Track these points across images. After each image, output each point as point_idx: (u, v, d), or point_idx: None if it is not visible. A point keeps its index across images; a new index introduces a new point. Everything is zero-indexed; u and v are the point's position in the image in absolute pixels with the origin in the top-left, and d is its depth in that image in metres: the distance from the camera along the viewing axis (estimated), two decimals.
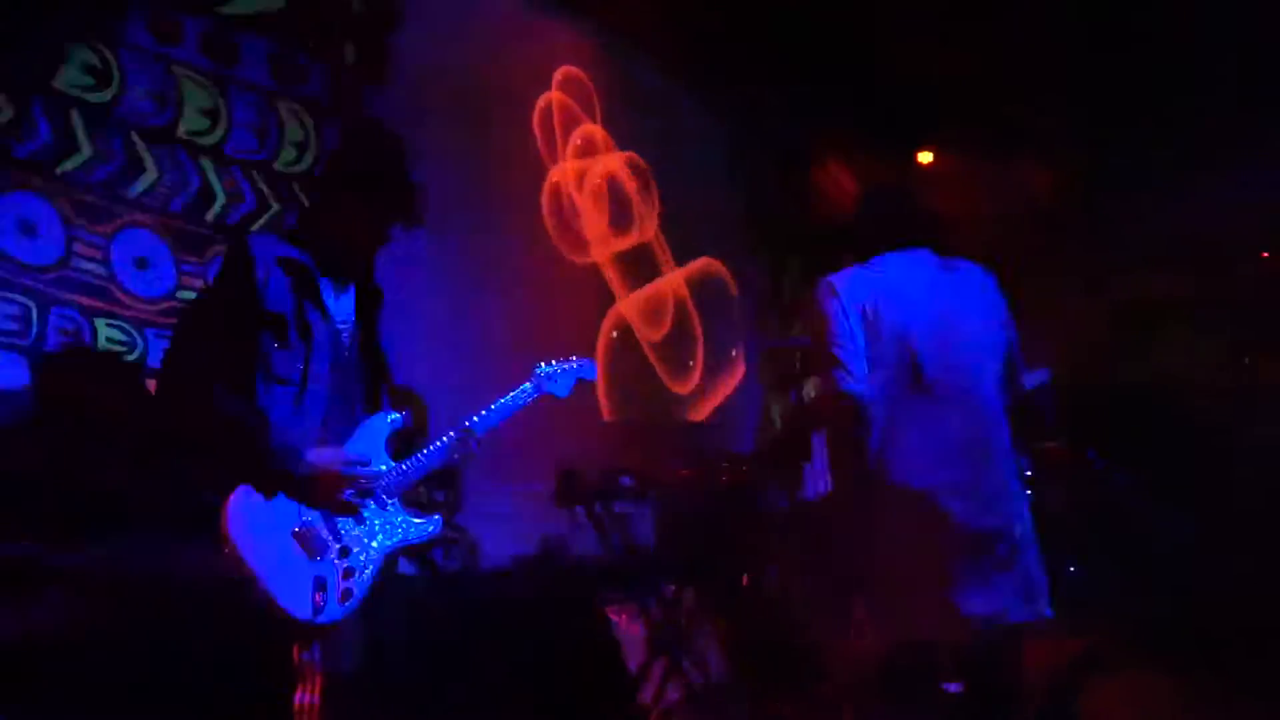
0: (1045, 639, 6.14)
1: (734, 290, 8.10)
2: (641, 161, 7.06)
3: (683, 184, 7.32)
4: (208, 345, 2.72)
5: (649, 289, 7.02)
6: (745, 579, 4.84)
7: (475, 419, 2.96)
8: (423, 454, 2.87)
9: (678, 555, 4.81)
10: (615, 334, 6.60)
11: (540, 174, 6.19)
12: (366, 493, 2.74)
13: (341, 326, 2.88)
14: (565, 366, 3.27)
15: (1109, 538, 7.74)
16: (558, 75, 6.42)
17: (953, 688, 5.00)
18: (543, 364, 3.23)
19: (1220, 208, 9.38)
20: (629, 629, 4.68)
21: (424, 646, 3.76)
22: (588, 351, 5.50)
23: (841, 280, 3.14)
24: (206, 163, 4.10)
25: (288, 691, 2.67)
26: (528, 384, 3.14)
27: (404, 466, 2.84)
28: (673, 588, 4.51)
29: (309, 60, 4.60)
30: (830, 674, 4.89)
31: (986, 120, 9.42)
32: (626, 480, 4.23)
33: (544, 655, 4.57)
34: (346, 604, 2.64)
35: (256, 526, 2.59)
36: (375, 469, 2.77)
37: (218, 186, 4.15)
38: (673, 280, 7.35)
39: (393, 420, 2.89)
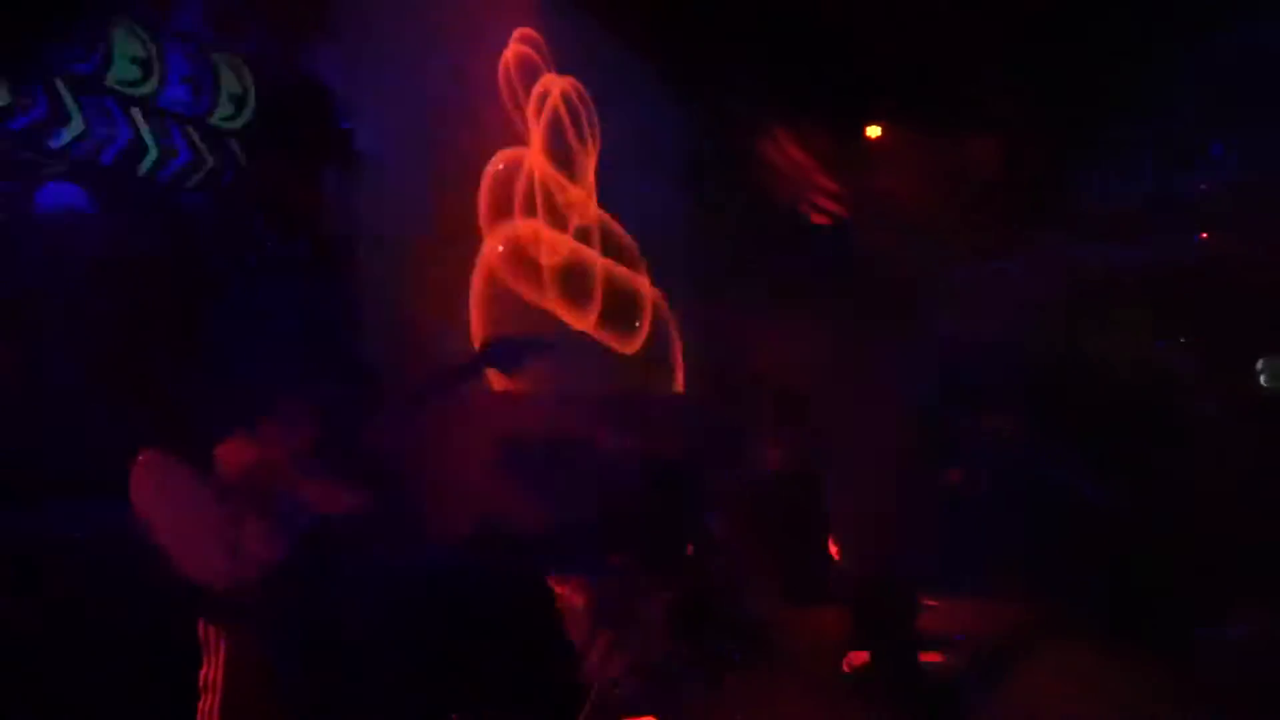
0: (979, 608, 6.31)
1: None
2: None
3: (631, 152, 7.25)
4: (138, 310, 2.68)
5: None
6: (690, 548, 4.82)
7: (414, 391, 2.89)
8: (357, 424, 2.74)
9: (622, 526, 4.76)
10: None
11: (496, 134, 6.08)
12: (290, 489, 2.64)
13: (291, 280, 2.86)
14: (516, 343, 3.15)
15: (1041, 511, 7.85)
16: (515, 35, 6.31)
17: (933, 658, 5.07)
18: (493, 339, 3.21)
19: (1161, 188, 9.54)
20: (572, 600, 4.64)
21: (360, 618, 3.65)
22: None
23: None
24: (137, 114, 3.94)
25: (191, 665, 2.59)
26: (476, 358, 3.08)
27: (338, 433, 2.70)
28: (616, 559, 4.46)
29: (248, 12, 4.45)
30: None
31: (934, 95, 9.45)
32: (569, 451, 4.16)
33: (486, 627, 4.50)
34: (261, 572, 2.54)
35: (168, 489, 2.50)
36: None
37: (150, 140, 4.00)
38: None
39: (331, 380, 2.80)
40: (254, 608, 2.55)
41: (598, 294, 6.86)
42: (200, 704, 2.58)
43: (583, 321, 6.56)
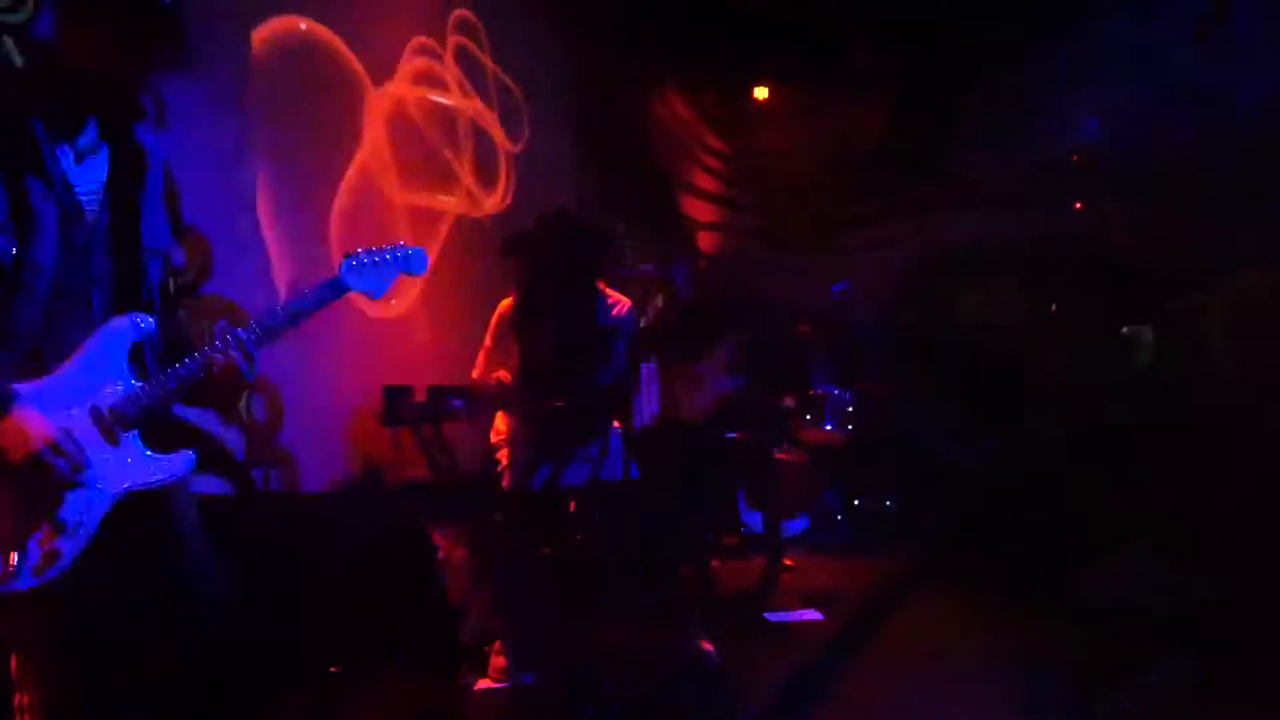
0: (862, 564, 6.48)
1: None
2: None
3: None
4: None
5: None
6: (571, 505, 4.81)
7: (249, 324, 2.38)
8: (168, 373, 2.31)
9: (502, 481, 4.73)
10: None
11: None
12: (77, 468, 2.18)
13: (85, 199, 2.30)
14: (381, 257, 2.57)
15: (913, 470, 8.08)
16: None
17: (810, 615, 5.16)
18: (352, 253, 2.54)
19: (1037, 156, 9.76)
20: (452, 553, 4.62)
21: (239, 573, 3.56)
22: None
23: None
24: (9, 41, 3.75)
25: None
26: (331, 280, 2.49)
27: (144, 388, 2.29)
28: (498, 513, 4.44)
29: None
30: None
31: (818, 58, 9.54)
32: (457, 402, 4.09)
33: (366, 581, 4.47)
34: (52, 567, 2.16)
35: None
36: (93, 419, 2.24)
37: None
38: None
39: (140, 324, 2.31)
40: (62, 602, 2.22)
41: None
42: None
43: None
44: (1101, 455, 7.47)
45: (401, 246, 2.60)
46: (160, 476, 2.30)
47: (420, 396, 4.17)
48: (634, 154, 8.87)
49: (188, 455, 2.33)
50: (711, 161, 10.58)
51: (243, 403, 4.49)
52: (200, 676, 2.62)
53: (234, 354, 2.32)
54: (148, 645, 2.41)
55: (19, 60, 3.68)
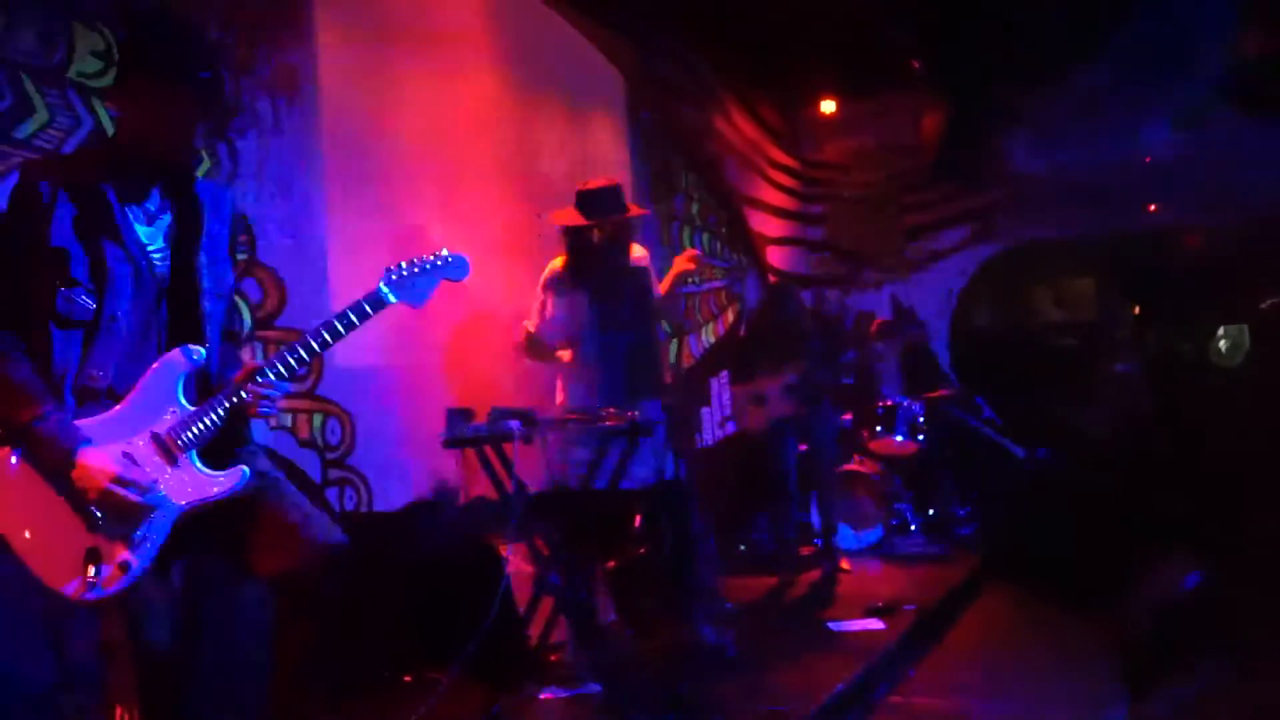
0: (928, 574, 6.53)
1: None
2: None
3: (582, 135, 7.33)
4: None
5: None
6: (637, 519, 4.97)
7: (282, 351, 2.63)
8: (213, 400, 2.55)
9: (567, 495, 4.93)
10: None
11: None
12: (143, 491, 2.45)
13: (152, 256, 2.60)
14: (421, 266, 2.76)
15: (985, 478, 8.10)
16: None
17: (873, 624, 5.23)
18: (392, 266, 2.74)
19: (1111, 157, 9.68)
20: (520, 567, 4.81)
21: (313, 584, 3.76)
22: None
23: None
24: (98, 104, 4.07)
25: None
26: (370, 295, 2.70)
27: (196, 414, 2.54)
28: (563, 528, 4.63)
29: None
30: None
31: (880, 69, 9.58)
32: (514, 424, 4.30)
33: (436, 595, 4.69)
34: (123, 578, 2.40)
35: (21, 487, 2.40)
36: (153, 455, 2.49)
37: (112, 128, 4.12)
38: None
39: (193, 357, 2.56)
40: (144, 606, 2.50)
41: None
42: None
43: None
44: (1177, 460, 7.44)
45: (442, 254, 2.80)
46: (217, 491, 2.54)
47: (481, 418, 4.37)
48: (698, 171, 9.01)
49: (240, 470, 2.57)
50: (779, 176, 10.68)
51: (317, 425, 4.76)
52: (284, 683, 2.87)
53: (258, 390, 2.58)
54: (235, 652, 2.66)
55: (108, 121, 4.02)
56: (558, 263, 5.10)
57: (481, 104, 6.14)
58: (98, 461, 2.40)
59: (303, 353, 2.63)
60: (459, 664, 4.26)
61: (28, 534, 2.40)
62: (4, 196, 2.55)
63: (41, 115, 3.85)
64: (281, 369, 2.62)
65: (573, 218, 5.01)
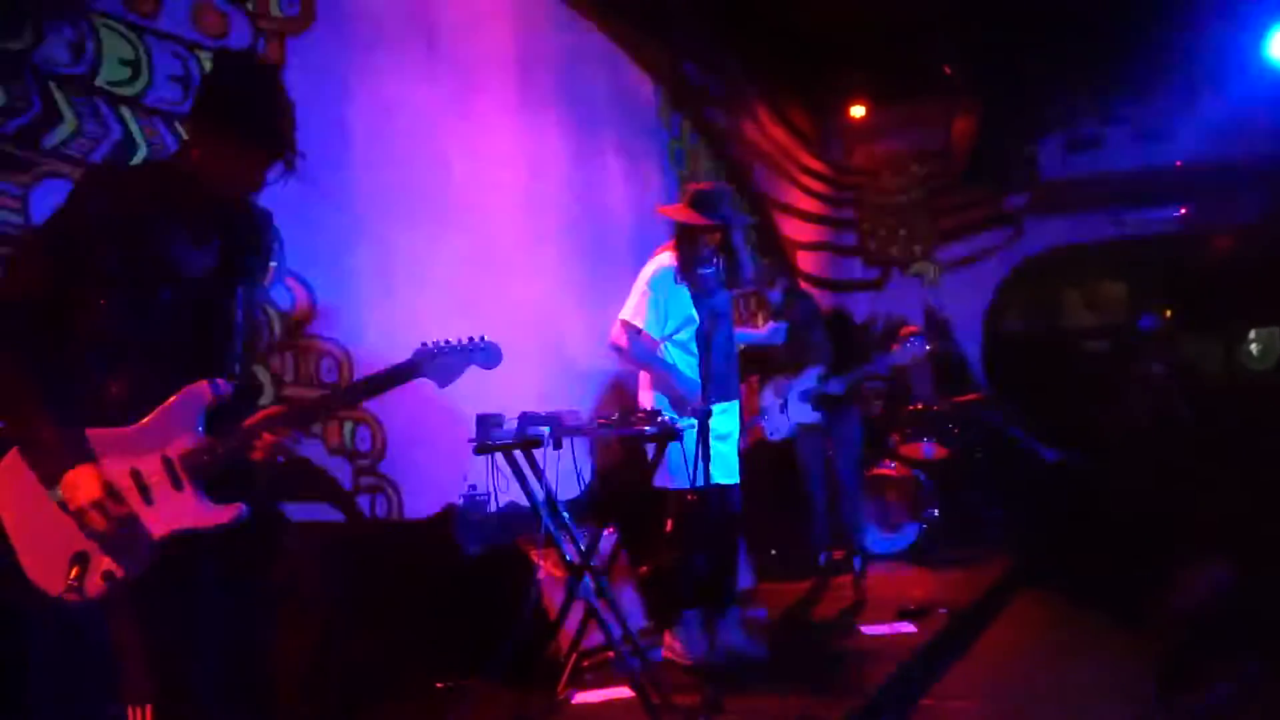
0: (959, 577, 6.50)
1: None
2: None
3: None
4: (25, 288, 2.51)
5: None
6: (669, 525, 4.95)
7: (305, 404, 2.67)
8: (227, 437, 2.57)
9: (599, 501, 4.92)
10: None
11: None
12: (127, 515, 2.47)
13: (194, 280, 2.63)
14: (453, 349, 2.82)
15: (1016, 480, 8.06)
16: None
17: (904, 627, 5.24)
18: (427, 342, 2.81)
19: (1139, 161, 9.64)
20: (552, 573, 4.81)
21: (347, 592, 3.79)
22: None
23: None
24: (126, 112, 4.10)
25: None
26: (402, 365, 2.76)
27: (209, 445, 2.55)
28: (594, 533, 4.62)
29: (232, 10, 4.59)
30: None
31: (911, 73, 9.57)
32: (544, 429, 4.29)
33: (468, 601, 4.70)
34: (107, 587, 2.44)
35: (30, 487, 2.46)
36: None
37: (140, 136, 4.16)
38: None
39: (218, 391, 2.58)
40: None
41: None
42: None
43: None
44: (1210, 460, 7.37)
45: (477, 339, 2.85)
46: (215, 524, 2.54)
47: (511, 424, 4.36)
48: (728, 176, 8.99)
49: (240, 509, 2.56)
50: (809, 181, 10.66)
51: (348, 432, 4.77)
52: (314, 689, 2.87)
53: (276, 435, 2.59)
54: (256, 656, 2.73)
55: (137, 129, 4.05)
56: (666, 259, 5.02)
57: (506, 110, 6.16)
58: (85, 481, 2.42)
59: (324, 409, 2.78)
60: (491, 670, 4.27)
61: (26, 530, 2.47)
62: (58, 204, 2.58)
63: (70, 124, 3.88)
64: (300, 421, 2.67)
65: (691, 216, 4.92)
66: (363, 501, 4.86)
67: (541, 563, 4.88)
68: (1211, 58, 8.63)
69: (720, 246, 4.97)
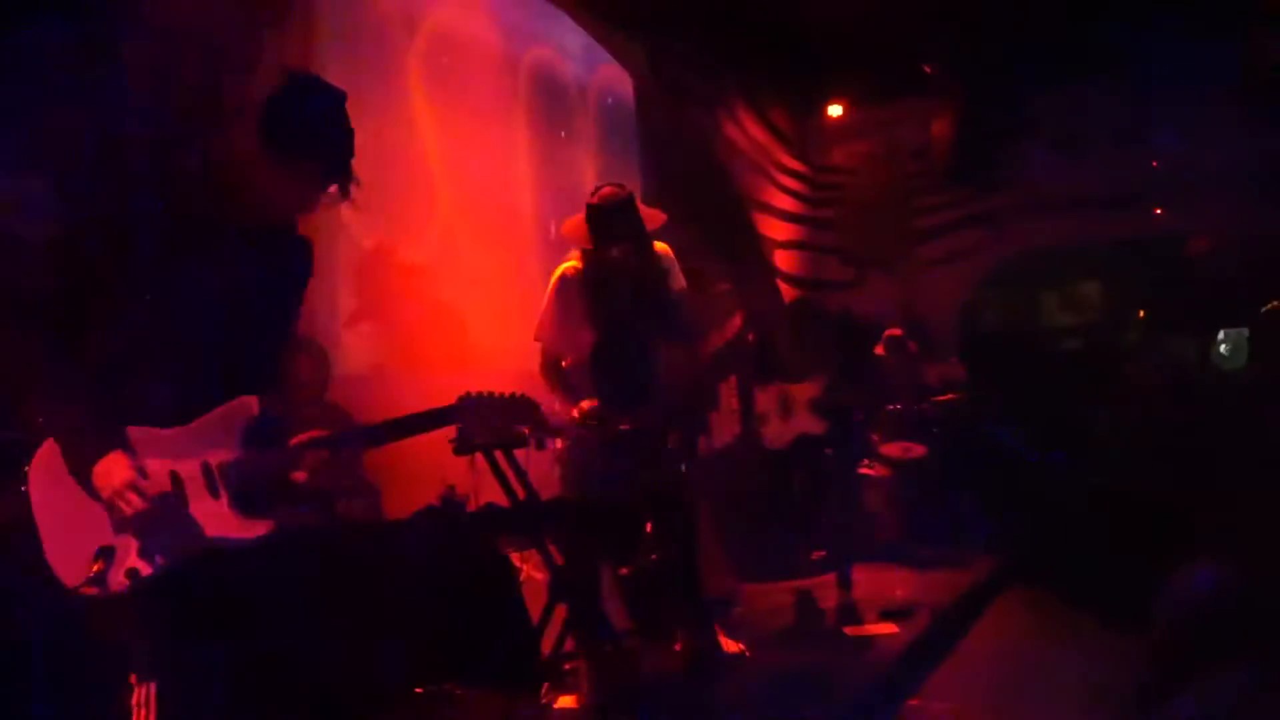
0: (940, 577, 6.47)
1: None
2: None
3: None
4: (67, 281, 2.51)
5: None
6: (649, 526, 4.90)
7: (345, 431, 2.82)
8: (266, 454, 2.62)
9: (580, 502, 4.85)
10: None
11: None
12: (145, 504, 2.45)
13: (231, 293, 2.65)
14: (494, 404, 2.95)
15: (997, 480, 8.04)
16: None
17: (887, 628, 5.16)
18: (470, 394, 2.93)
19: (1117, 161, 9.68)
20: (532, 575, 4.75)
21: (323, 595, 3.70)
22: None
23: None
24: None
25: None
26: (442, 411, 2.86)
27: (248, 460, 2.59)
28: (574, 535, 4.56)
29: None
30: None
31: (888, 72, 9.57)
32: (523, 429, 4.22)
33: (448, 604, 4.62)
34: (129, 584, 2.44)
35: (63, 476, 2.47)
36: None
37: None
38: None
39: (263, 405, 2.64)
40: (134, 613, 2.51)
41: None
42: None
43: None
44: (1185, 460, 7.38)
45: (516, 396, 3.00)
46: (245, 538, 2.57)
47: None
48: (706, 175, 8.95)
49: (271, 524, 2.59)
50: (787, 180, 10.65)
51: None
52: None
53: (313, 459, 2.66)
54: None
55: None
56: (567, 268, 4.79)
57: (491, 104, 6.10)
58: (117, 468, 2.43)
59: (368, 439, 2.86)
60: (472, 674, 4.20)
61: (53, 518, 2.47)
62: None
63: None
64: (343, 446, 2.78)
65: (584, 236, 4.64)
66: (339, 503, 4.78)
67: (523, 565, 4.82)
68: (1189, 60, 8.66)
69: (623, 262, 4.68)
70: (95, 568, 2.41)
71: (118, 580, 2.43)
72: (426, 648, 4.46)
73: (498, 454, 4.28)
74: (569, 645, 4.58)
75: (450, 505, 4.91)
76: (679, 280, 4.85)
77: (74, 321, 2.50)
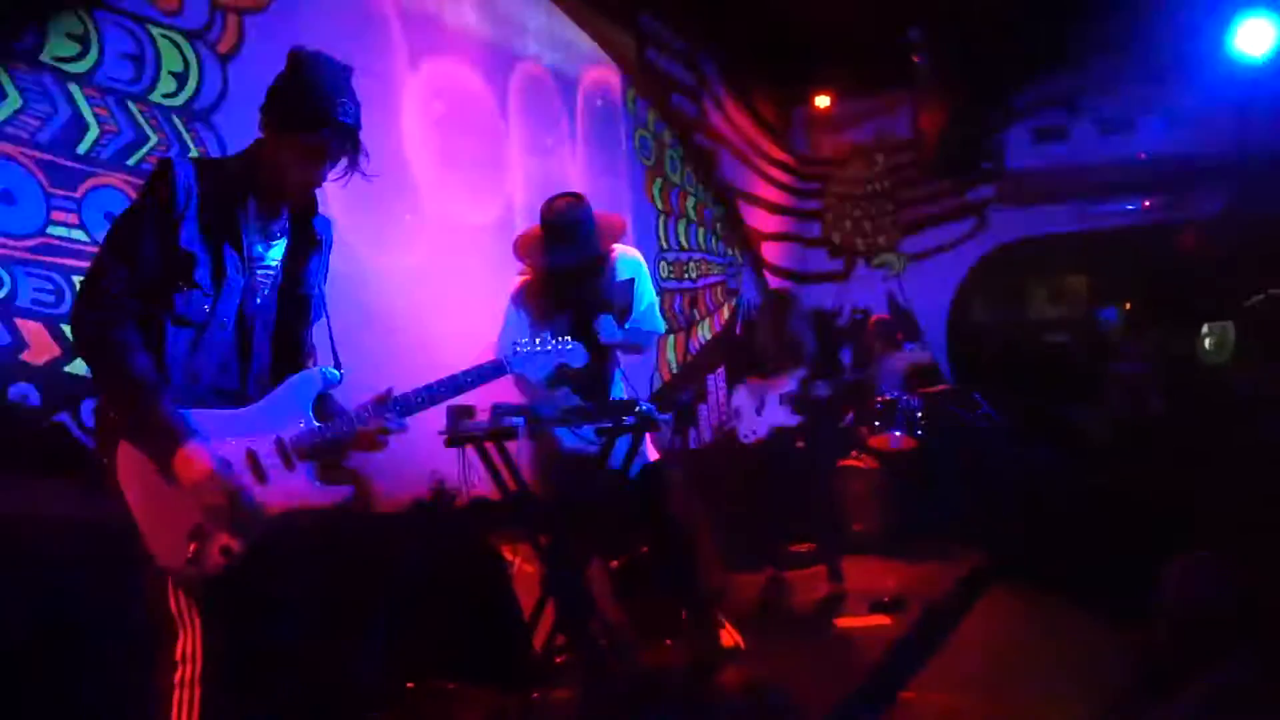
0: (930, 570, 6.44)
1: None
2: None
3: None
4: (115, 275, 2.57)
5: None
6: (639, 521, 4.84)
7: (408, 392, 2.86)
8: (333, 423, 2.76)
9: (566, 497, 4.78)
10: None
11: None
12: (232, 493, 2.55)
13: (264, 272, 2.79)
14: (544, 348, 3.25)
15: (985, 473, 8.01)
16: None
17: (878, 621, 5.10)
18: (520, 343, 3.23)
19: (1104, 154, 9.67)
20: (524, 569, 4.69)
21: (315, 588, 3.64)
22: None
23: None
24: (76, 90, 3.92)
25: (166, 640, 2.60)
26: (496, 363, 3.08)
27: (319, 429, 2.74)
28: (564, 531, 4.49)
29: None
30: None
31: (875, 63, 9.55)
32: (517, 420, 4.14)
33: (439, 598, 4.55)
34: (224, 563, 2.54)
35: (148, 471, 2.52)
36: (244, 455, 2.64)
37: (90, 116, 3.98)
38: None
39: (327, 377, 2.81)
40: (219, 585, 2.59)
41: None
42: (176, 675, 2.59)
43: None
44: (1174, 453, 7.37)
45: (562, 340, 3.30)
46: (321, 501, 2.74)
47: (483, 415, 4.23)
48: (693, 165, 8.92)
49: (347, 489, 2.79)
50: (775, 172, 10.61)
51: None
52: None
53: (382, 420, 2.79)
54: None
55: (87, 109, 3.89)
56: (520, 281, 4.65)
57: (467, 91, 6.03)
58: (201, 453, 2.51)
59: (428, 400, 2.90)
60: (464, 669, 4.15)
61: (147, 508, 2.54)
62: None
63: (14, 100, 3.71)
64: (404, 409, 2.85)
65: (537, 253, 4.48)
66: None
67: (514, 559, 4.75)
68: (1177, 50, 8.67)
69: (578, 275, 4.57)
70: (191, 548, 2.51)
71: (213, 559, 2.54)
72: (417, 643, 4.40)
73: (488, 445, 4.20)
74: (560, 640, 4.51)
75: (440, 498, 4.85)
76: (646, 288, 4.70)
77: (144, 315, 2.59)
